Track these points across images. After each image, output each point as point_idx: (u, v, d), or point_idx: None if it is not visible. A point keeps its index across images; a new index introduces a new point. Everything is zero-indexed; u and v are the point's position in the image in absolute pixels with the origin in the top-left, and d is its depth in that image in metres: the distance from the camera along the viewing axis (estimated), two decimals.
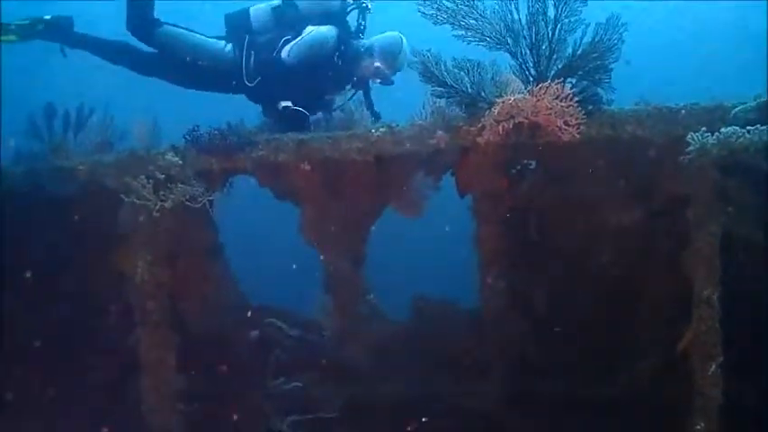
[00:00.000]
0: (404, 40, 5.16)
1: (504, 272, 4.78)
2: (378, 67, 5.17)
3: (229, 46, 5.24)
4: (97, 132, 5.09)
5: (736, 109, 4.05)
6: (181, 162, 4.53)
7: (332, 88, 5.18)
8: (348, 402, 5.27)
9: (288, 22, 5.21)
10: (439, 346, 5.25)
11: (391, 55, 5.15)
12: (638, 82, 4.63)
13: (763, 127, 3.79)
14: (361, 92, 5.29)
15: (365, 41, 5.25)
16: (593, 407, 4.74)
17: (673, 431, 4.37)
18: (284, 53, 4.98)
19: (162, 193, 4.51)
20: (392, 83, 5.24)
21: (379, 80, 5.23)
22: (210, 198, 4.60)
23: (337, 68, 5.06)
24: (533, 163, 4.68)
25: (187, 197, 4.49)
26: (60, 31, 5.28)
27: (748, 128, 3.82)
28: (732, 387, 4.18)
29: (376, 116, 5.16)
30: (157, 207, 4.50)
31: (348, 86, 5.21)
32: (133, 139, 4.93)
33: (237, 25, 5.29)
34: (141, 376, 4.84)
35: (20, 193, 4.91)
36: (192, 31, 5.31)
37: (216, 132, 4.44)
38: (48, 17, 5.26)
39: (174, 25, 5.27)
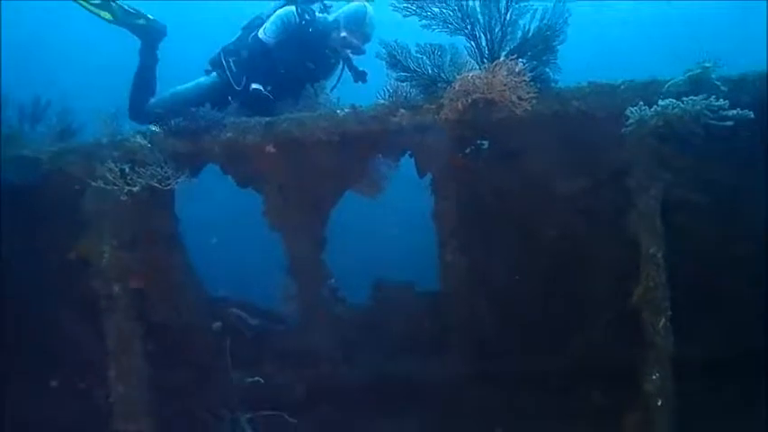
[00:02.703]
0: (368, 8, 5.39)
1: (463, 248, 5.02)
2: (344, 38, 5.39)
3: (212, 74, 5.65)
4: (56, 123, 5.07)
5: (669, 83, 4.47)
6: (149, 145, 4.61)
7: (317, 70, 5.39)
8: (310, 388, 5.38)
9: (252, 26, 5.59)
10: (400, 328, 5.45)
11: (355, 23, 5.39)
12: None
13: (695, 97, 4.20)
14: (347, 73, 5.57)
15: (331, 17, 5.51)
16: (551, 377, 5.02)
17: (629, 386, 4.67)
18: (260, 34, 5.29)
19: (129, 178, 4.57)
20: (363, 52, 5.45)
21: (349, 50, 5.43)
22: (179, 180, 4.67)
23: (311, 42, 5.32)
24: (486, 143, 4.98)
25: (156, 180, 4.56)
26: (150, 36, 5.62)
27: (682, 98, 4.22)
28: (680, 340, 4.54)
29: (361, 76, 5.49)
30: (125, 191, 4.55)
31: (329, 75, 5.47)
32: (95, 130, 4.94)
33: (216, 56, 5.67)
34: (108, 364, 4.82)
35: None
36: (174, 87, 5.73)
37: (186, 115, 4.55)
38: (150, 17, 5.60)
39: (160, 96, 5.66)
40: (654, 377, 4.53)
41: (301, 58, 5.31)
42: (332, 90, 5.51)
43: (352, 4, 5.50)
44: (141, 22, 5.60)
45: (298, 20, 5.33)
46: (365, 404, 5.23)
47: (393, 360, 5.38)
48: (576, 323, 4.96)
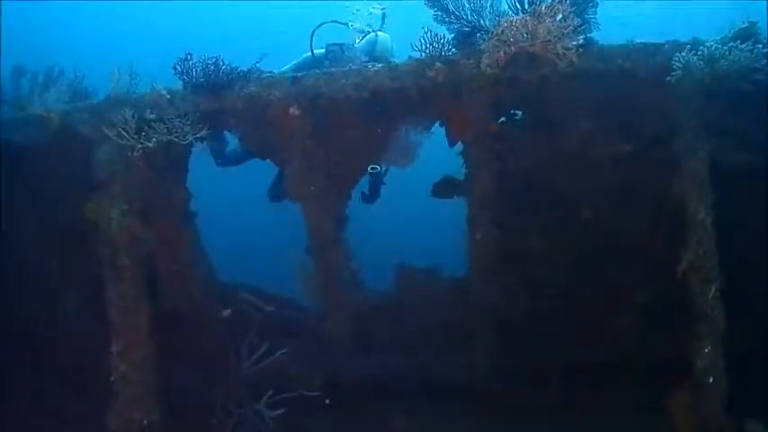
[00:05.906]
0: (379, 36, 5.25)
1: (495, 222, 4.69)
2: None
3: None
4: (67, 90, 4.76)
5: (712, 40, 4.29)
6: (168, 96, 4.33)
7: None
8: (328, 377, 4.96)
9: None
10: (423, 315, 5.08)
11: (367, 53, 5.11)
12: None
13: (743, 45, 4.01)
14: None
15: None
16: (590, 364, 4.66)
17: (678, 365, 4.33)
18: None
19: (144, 133, 4.26)
20: None
21: None
22: (198, 136, 4.35)
23: None
24: (520, 113, 4.74)
25: (174, 134, 4.25)
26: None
27: (729, 44, 4.03)
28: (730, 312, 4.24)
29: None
30: (140, 146, 4.24)
31: None
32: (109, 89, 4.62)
33: None
34: (110, 341, 4.39)
35: None
36: None
37: (210, 63, 4.28)
38: None
39: None
40: (706, 350, 4.22)
41: None
42: None
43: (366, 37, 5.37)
44: None
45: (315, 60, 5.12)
46: (383, 396, 4.83)
47: (415, 350, 5.01)
48: (618, 302, 4.66)
